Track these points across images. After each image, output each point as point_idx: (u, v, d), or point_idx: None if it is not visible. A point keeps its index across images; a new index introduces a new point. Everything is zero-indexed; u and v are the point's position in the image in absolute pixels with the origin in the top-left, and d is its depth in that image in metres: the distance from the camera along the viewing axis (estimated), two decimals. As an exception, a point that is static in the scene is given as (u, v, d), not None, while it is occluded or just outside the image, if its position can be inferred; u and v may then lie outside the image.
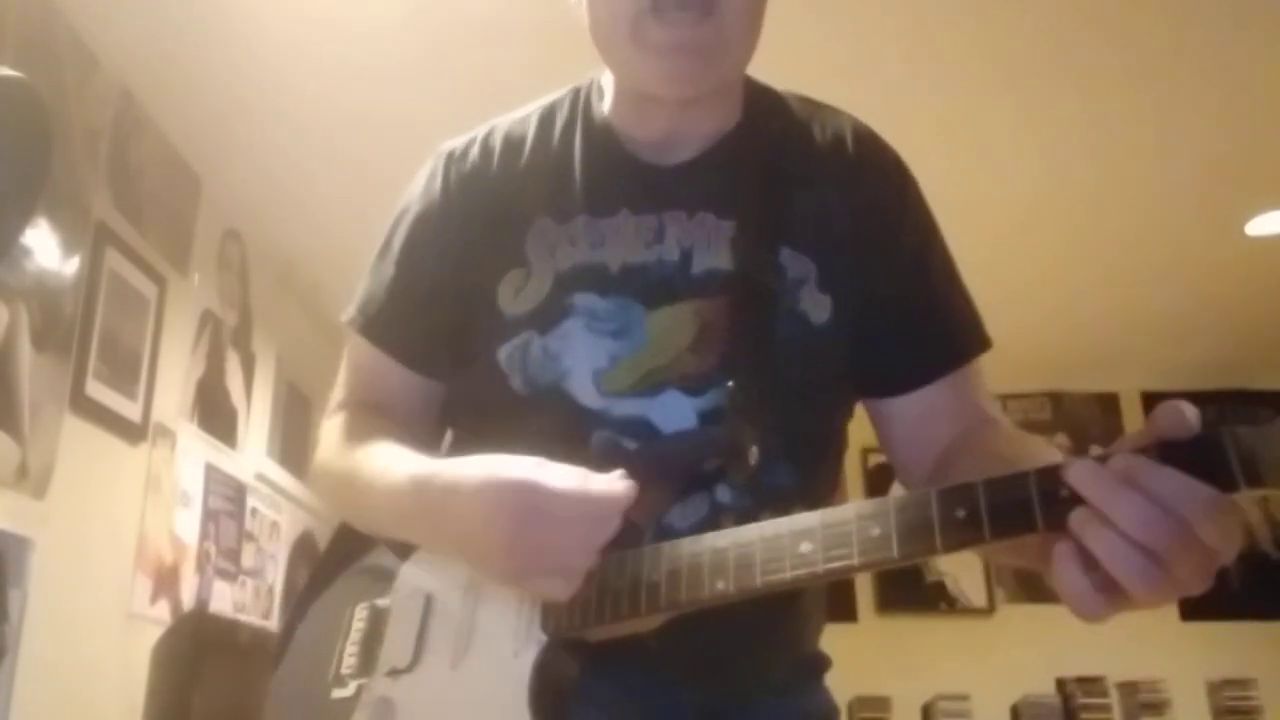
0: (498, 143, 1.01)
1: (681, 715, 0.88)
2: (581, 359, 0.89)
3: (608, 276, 0.91)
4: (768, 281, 0.90)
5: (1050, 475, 0.62)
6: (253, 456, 3.27)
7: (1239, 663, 4.28)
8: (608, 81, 1.00)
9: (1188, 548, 0.58)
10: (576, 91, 1.03)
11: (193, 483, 2.82)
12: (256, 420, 3.33)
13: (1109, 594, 0.61)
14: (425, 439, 0.98)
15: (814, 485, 0.88)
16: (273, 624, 3.36)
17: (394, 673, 0.87)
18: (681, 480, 0.84)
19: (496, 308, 0.93)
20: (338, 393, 1.06)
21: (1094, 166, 2.99)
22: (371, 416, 1.00)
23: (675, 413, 0.87)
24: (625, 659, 0.81)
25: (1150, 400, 4.78)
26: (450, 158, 1.02)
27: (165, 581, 2.61)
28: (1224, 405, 4.77)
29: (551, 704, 0.79)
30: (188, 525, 2.77)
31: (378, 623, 0.92)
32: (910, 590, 4.48)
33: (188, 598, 2.74)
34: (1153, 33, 2.44)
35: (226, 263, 3.11)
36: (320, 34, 2.40)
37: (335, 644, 0.94)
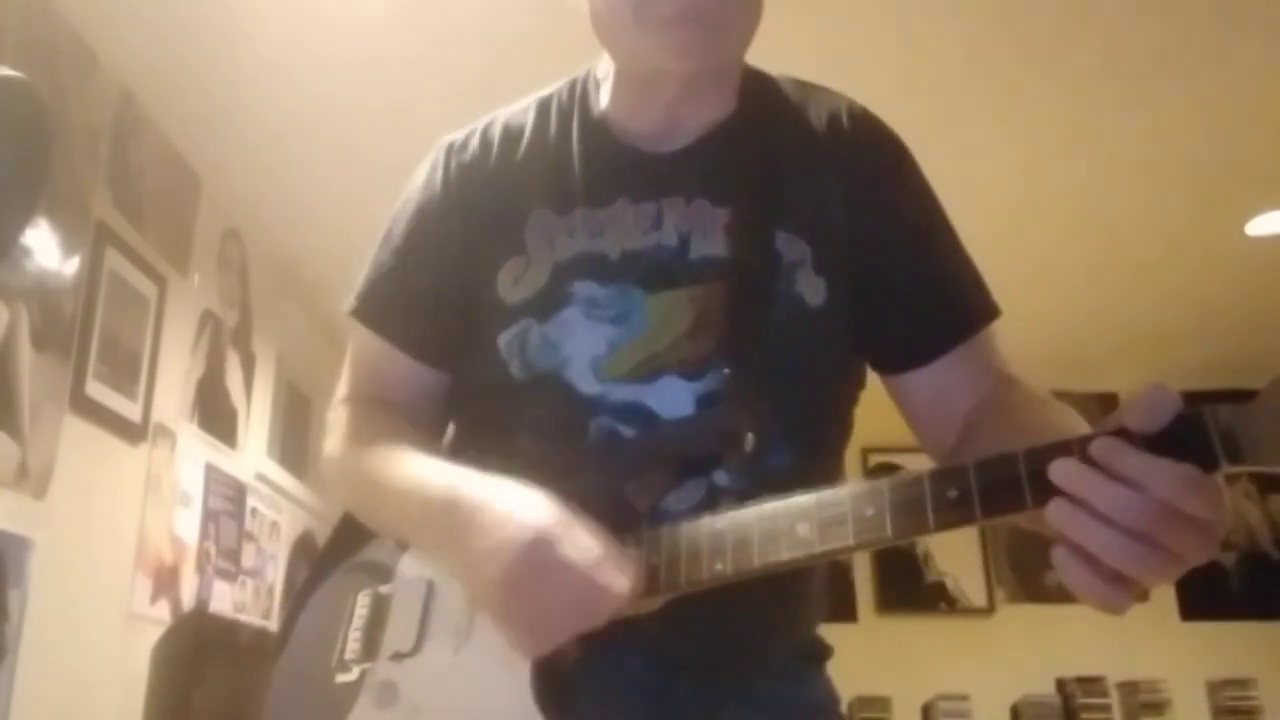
0: (496, 135, 1.02)
1: (680, 702, 0.88)
2: (580, 346, 0.90)
3: (607, 264, 0.93)
4: (763, 267, 0.91)
5: (1038, 457, 0.64)
6: (253, 456, 3.27)
7: (1239, 663, 4.28)
8: (604, 72, 1.01)
9: (1176, 526, 0.60)
10: (573, 83, 1.04)
11: (193, 483, 2.82)
12: (256, 420, 3.33)
13: (1120, 582, 0.62)
14: (430, 430, 1.00)
15: (814, 468, 0.87)
16: (273, 624, 3.36)
17: (397, 657, 0.88)
18: (678, 465, 0.85)
19: (496, 296, 0.94)
20: (342, 386, 1.07)
21: (1093, 166, 2.99)
22: (381, 412, 1.01)
23: (673, 398, 0.88)
24: (624, 645, 0.81)
25: (1150, 400, 4.78)
26: (450, 150, 1.04)
27: (165, 581, 2.61)
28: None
29: (553, 687, 0.79)
30: (188, 525, 2.77)
31: (380, 609, 0.92)
32: (910, 590, 4.48)
33: (188, 598, 2.74)
34: (1153, 33, 2.44)
35: (226, 263, 3.11)
36: (320, 33, 2.40)
37: (338, 631, 0.95)
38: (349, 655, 0.92)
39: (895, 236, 0.95)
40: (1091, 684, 4.19)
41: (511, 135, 1.02)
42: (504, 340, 0.93)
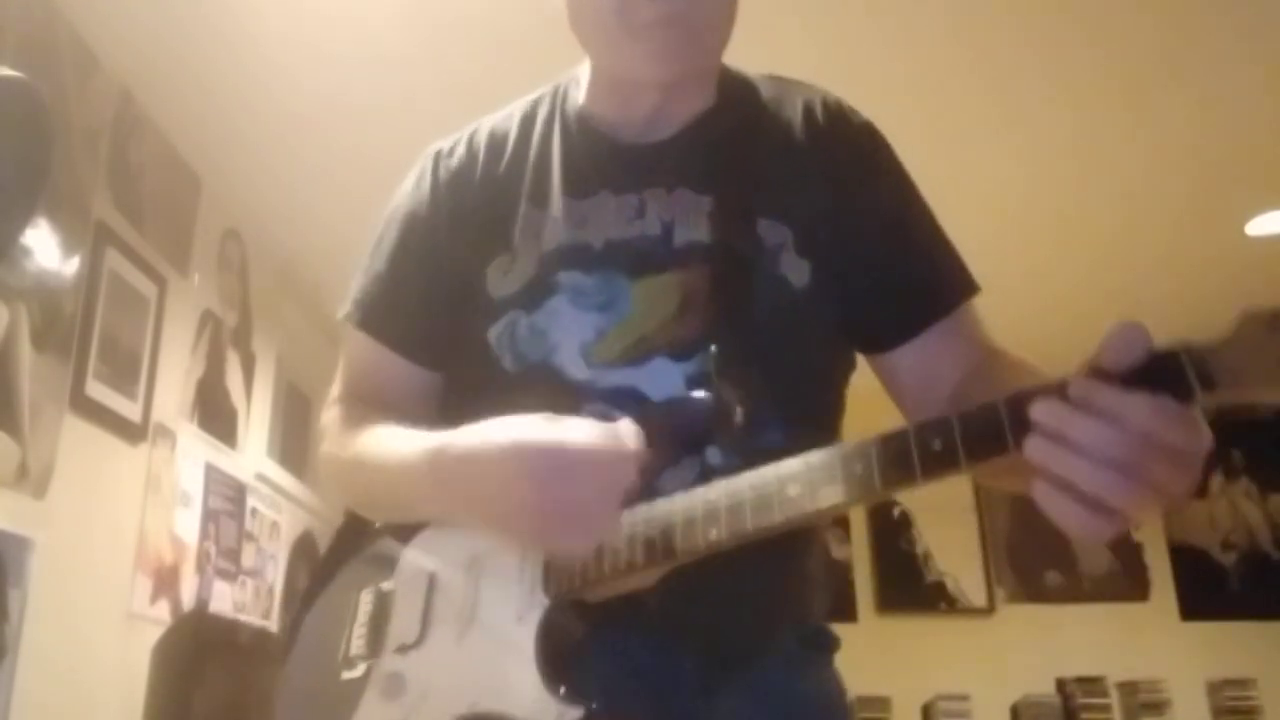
0: (482, 140, 1.05)
1: (683, 683, 0.89)
2: (568, 333, 0.92)
3: (591, 253, 0.95)
4: (747, 250, 0.93)
5: (1018, 403, 0.66)
6: (253, 456, 3.27)
7: (1239, 663, 4.28)
8: (584, 74, 1.04)
9: (1154, 456, 0.62)
10: (556, 87, 1.07)
11: (193, 483, 2.82)
12: (256, 420, 3.33)
13: (1101, 511, 0.63)
14: (424, 429, 1.01)
15: (807, 445, 0.86)
16: (273, 624, 3.36)
17: (402, 649, 0.90)
18: (671, 445, 0.85)
19: (485, 292, 0.96)
20: (335, 387, 1.08)
21: (1093, 166, 2.99)
22: (371, 408, 1.02)
23: (663, 379, 0.89)
24: (627, 624, 0.84)
25: (1150, 400, 4.78)
26: (438, 157, 1.06)
27: (165, 581, 2.61)
28: (1224, 405, 4.78)
29: (558, 662, 0.81)
30: (188, 525, 2.77)
31: (383, 605, 0.94)
32: (910, 590, 4.48)
33: (188, 598, 2.74)
34: (1153, 33, 2.44)
35: (226, 263, 3.11)
36: (320, 33, 2.40)
37: (343, 630, 0.96)
38: (354, 652, 0.93)
39: (874, 218, 0.97)
40: (1091, 684, 4.19)
41: (497, 140, 1.04)
42: (494, 334, 0.95)
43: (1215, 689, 4.26)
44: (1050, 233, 3.40)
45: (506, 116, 1.07)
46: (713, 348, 0.89)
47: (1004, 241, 3.30)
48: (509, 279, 0.96)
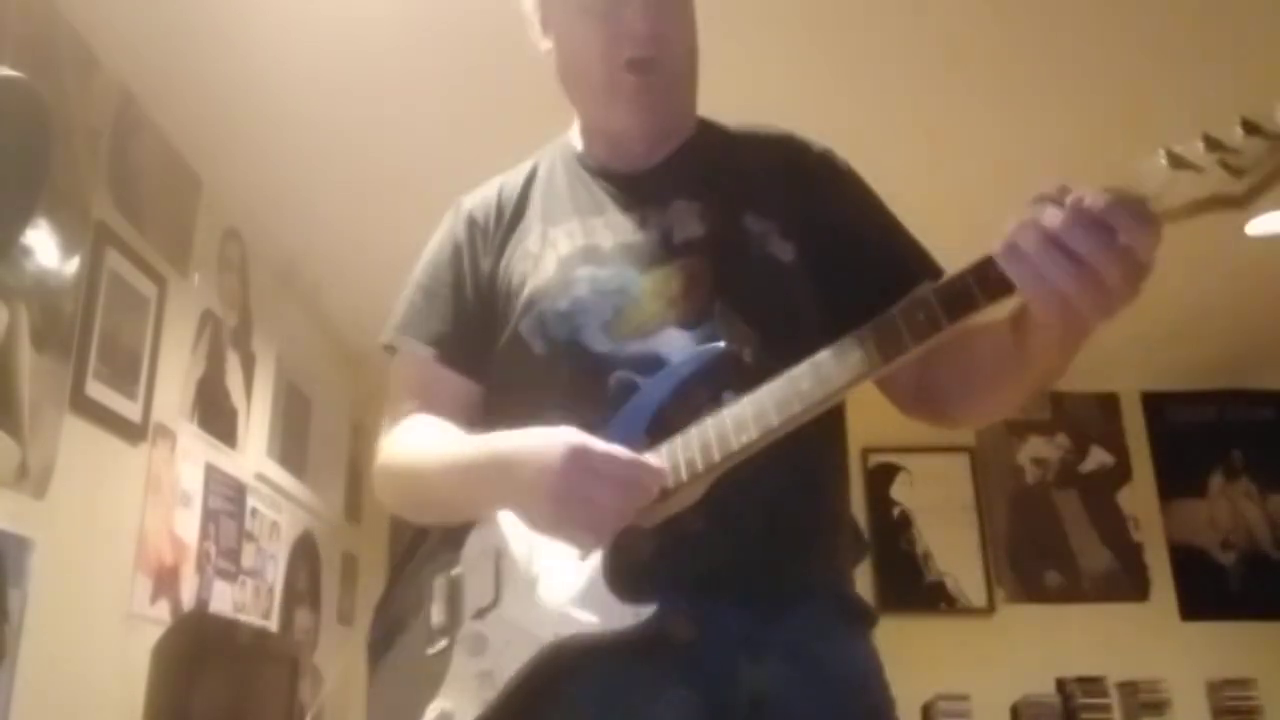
0: (497, 187, 1.23)
1: (727, 631, 0.96)
2: (590, 315, 1.05)
3: (603, 253, 1.09)
4: (737, 238, 1.08)
5: (983, 264, 0.81)
6: (253, 456, 3.27)
7: (1239, 663, 4.28)
8: (575, 132, 1.24)
9: (1110, 252, 0.74)
10: (554, 145, 1.26)
11: (193, 483, 2.82)
12: (256, 420, 3.33)
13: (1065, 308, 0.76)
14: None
15: None
16: (273, 624, 3.36)
17: (480, 613, 1.01)
18: (692, 392, 0.96)
19: (512, 294, 1.11)
20: (391, 412, 1.19)
21: (1093, 166, 2.98)
22: (421, 421, 1.13)
23: (677, 345, 1.01)
24: (673, 570, 0.93)
25: (1150, 400, 4.79)
26: (460, 208, 1.23)
27: (165, 581, 2.61)
28: (1224, 405, 4.78)
29: (628, 580, 0.91)
30: (188, 525, 2.77)
31: (455, 585, 1.05)
32: (910, 590, 4.48)
33: (188, 598, 2.74)
34: (1153, 32, 2.44)
35: (226, 263, 3.11)
36: (320, 34, 2.40)
37: (421, 617, 1.07)
38: (435, 627, 1.04)
39: (843, 213, 1.13)
40: (1091, 684, 4.19)
41: (510, 187, 1.21)
42: (525, 326, 1.08)
43: (1215, 689, 4.26)
44: (1050, 233, 3.40)
45: (516, 172, 1.24)
46: (717, 314, 1.02)
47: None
48: (533, 280, 1.10)
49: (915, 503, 4.63)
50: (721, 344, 0.98)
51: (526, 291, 1.09)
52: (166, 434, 2.66)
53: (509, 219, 1.18)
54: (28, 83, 1.66)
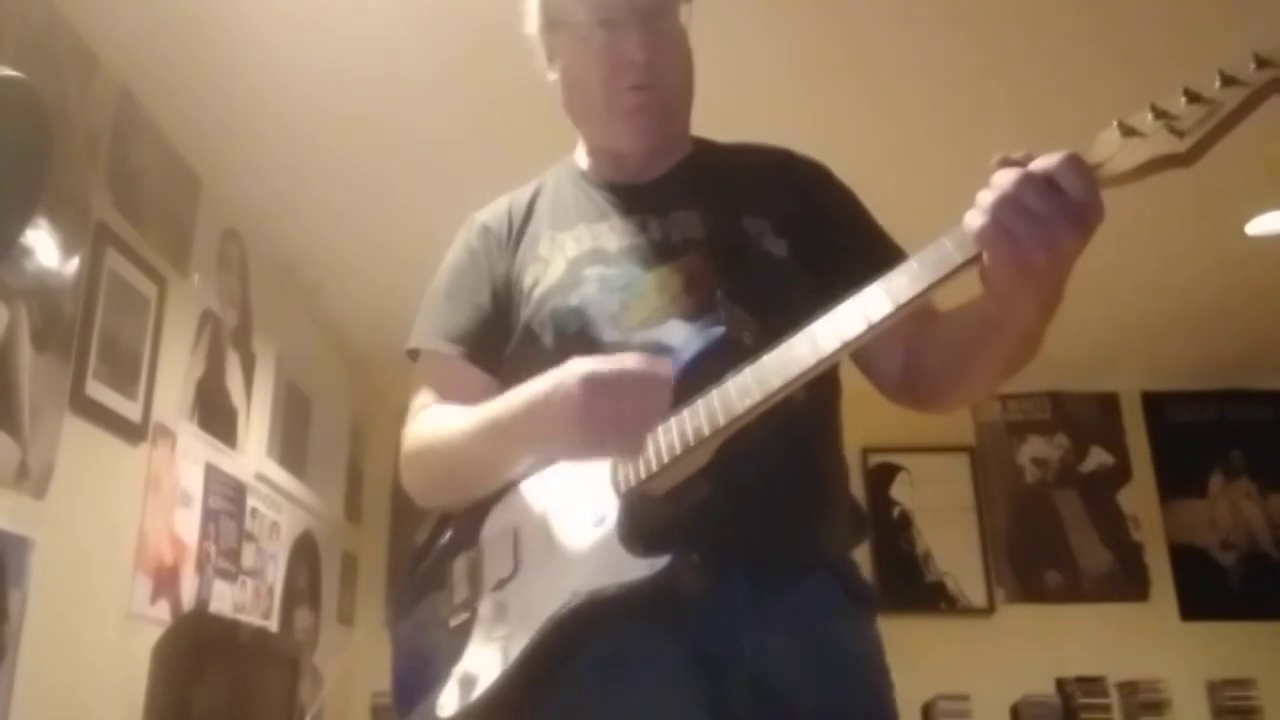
0: (507, 203, 1.30)
1: (735, 600, 1.02)
2: (599, 308, 1.12)
3: (609, 254, 1.17)
4: (734, 238, 1.16)
5: (956, 230, 0.87)
6: (253, 456, 3.27)
7: (1239, 663, 4.28)
8: (579, 153, 1.32)
9: (1056, 205, 0.82)
10: (559, 165, 1.33)
11: (193, 483, 2.82)
12: (256, 420, 3.33)
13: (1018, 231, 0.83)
14: None
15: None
16: (273, 624, 3.36)
17: (500, 584, 1.06)
18: (696, 376, 1.01)
19: (525, 293, 1.19)
20: (414, 405, 1.24)
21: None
22: (449, 406, 1.19)
23: (681, 335, 1.07)
24: (682, 523, 0.98)
25: (1150, 400, 4.79)
26: (474, 221, 1.31)
27: (165, 581, 2.61)
28: (1224, 405, 4.78)
29: (642, 541, 0.96)
30: (188, 525, 2.77)
31: (475, 563, 1.10)
32: (910, 590, 4.48)
33: (188, 598, 2.74)
34: (1155, 30, 2.44)
35: (226, 263, 3.11)
36: (321, 34, 2.40)
37: (442, 595, 1.12)
38: (457, 603, 1.09)
39: (831, 213, 1.22)
40: (1091, 684, 4.19)
41: (520, 202, 1.29)
42: (536, 322, 1.16)
43: (1215, 689, 4.26)
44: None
45: (524, 190, 1.31)
46: (719, 305, 1.06)
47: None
48: (543, 281, 1.17)
49: (915, 503, 4.63)
50: (723, 328, 1.02)
51: (538, 291, 1.17)
52: (166, 434, 2.66)
53: (519, 227, 1.26)
54: (28, 83, 1.66)
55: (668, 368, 0.98)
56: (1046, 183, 0.83)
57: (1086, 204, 0.82)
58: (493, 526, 1.11)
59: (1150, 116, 0.83)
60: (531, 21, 1.27)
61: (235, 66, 2.49)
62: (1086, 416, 4.81)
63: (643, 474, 0.99)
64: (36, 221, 2.08)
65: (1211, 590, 4.53)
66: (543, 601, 1.00)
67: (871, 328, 0.90)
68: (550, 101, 1.35)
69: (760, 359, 0.95)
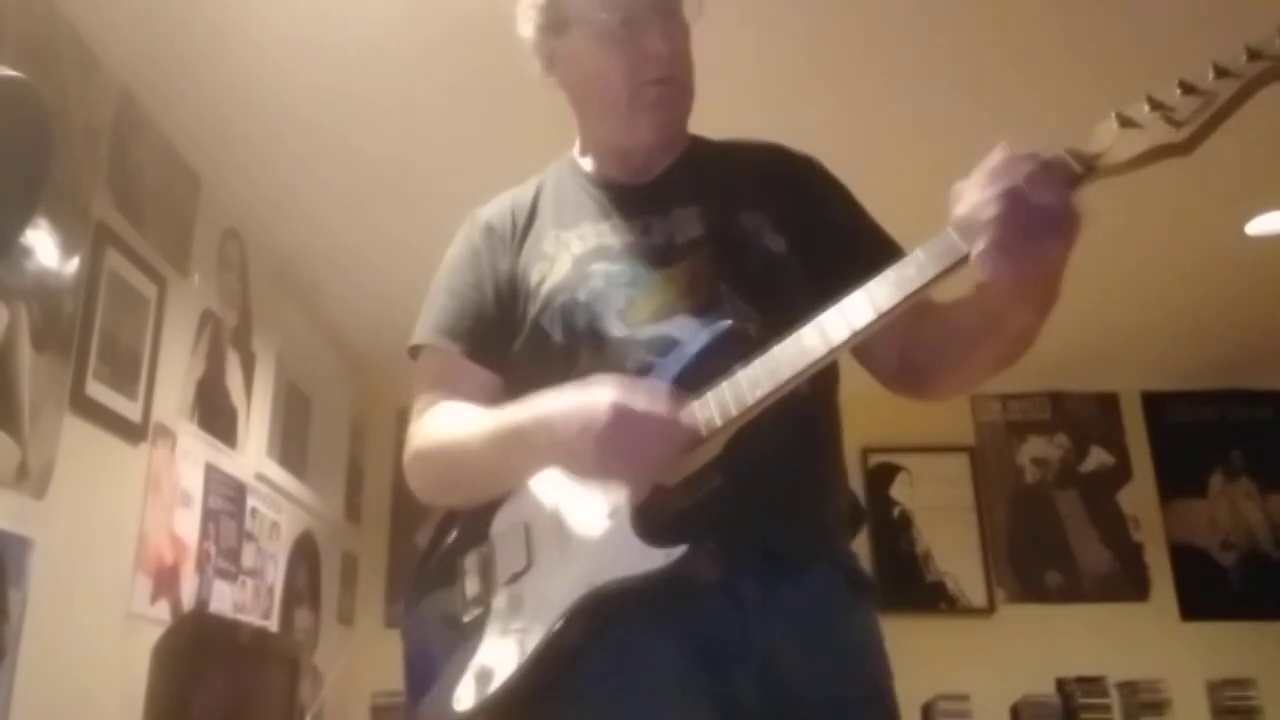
0: (509, 200, 1.31)
1: (743, 571, 1.03)
2: (607, 304, 1.14)
3: (613, 251, 1.19)
4: (734, 235, 1.18)
5: (960, 221, 0.89)
6: (253, 456, 3.27)
7: (1239, 663, 4.28)
8: (577, 152, 1.33)
9: (1031, 208, 0.84)
10: (559, 164, 1.34)
11: (193, 483, 2.82)
12: (256, 420, 3.33)
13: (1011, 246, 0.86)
14: None
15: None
16: (273, 624, 3.36)
17: (513, 578, 1.07)
18: (705, 370, 1.03)
19: (531, 291, 1.20)
20: (419, 404, 1.24)
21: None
22: (457, 405, 1.20)
23: (688, 330, 1.09)
24: (694, 512, 0.99)
25: (1150, 400, 4.79)
26: (477, 218, 1.31)
27: (165, 581, 2.61)
28: (1224, 405, 4.78)
29: (657, 531, 0.98)
30: (188, 525, 2.77)
31: (487, 558, 1.11)
32: (910, 590, 4.48)
33: (188, 598, 2.74)
34: (1155, 29, 2.44)
35: (226, 263, 3.11)
36: (320, 33, 2.40)
37: (454, 591, 1.13)
38: (470, 598, 1.10)
39: (825, 206, 1.24)
40: (1091, 684, 4.19)
41: (522, 199, 1.30)
42: (545, 318, 1.17)
43: (1215, 689, 4.26)
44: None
45: (524, 187, 1.32)
46: (723, 299, 1.11)
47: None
48: (550, 278, 1.19)
49: (915, 503, 4.63)
50: (729, 321, 1.04)
51: (545, 287, 1.18)
52: (166, 434, 2.66)
53: (523, 224, 1.26)
54: (28, 83, 1.66)
55: (696, 424, 0.98)
56: (1039, 178, 0.85)
57: (1062, 212, 0.85)
58: (503, 522, 1.12)
59: (1147, 108, 0.86)
60: (529, 25, 1.26)
61: (235, 66, 2.49)
62: (1086, 416, 4.81)
63: None
64: (36, 221, 2.08)
65: (1211, 590, 4.52)
66: (558, 593, 1.01)
67: (881, 316, 0.92)
68: (551, 104, 1.35)
69: (770, 350, 0.97)
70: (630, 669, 1.00)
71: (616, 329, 1.12)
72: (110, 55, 2.40)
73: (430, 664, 1.12)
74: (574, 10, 1.22)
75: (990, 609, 4.49)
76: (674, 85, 1.21)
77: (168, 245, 2.72)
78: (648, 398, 0.99)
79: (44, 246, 2.14)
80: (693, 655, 1.01)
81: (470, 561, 1.13)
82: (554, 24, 1.24)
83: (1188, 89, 0.84)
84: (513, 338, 1.20)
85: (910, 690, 4.34)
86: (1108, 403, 4.82)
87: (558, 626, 1.00)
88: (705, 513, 1.00)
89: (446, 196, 1.37)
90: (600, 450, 0.97)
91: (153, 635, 2.48)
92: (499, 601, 1.07)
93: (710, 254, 1.16)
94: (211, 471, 2.93)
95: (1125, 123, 0.87)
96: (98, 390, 2.32)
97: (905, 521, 4.62)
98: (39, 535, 2.06)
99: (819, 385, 1.12)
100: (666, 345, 1.08)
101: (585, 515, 1.04)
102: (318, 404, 4.23)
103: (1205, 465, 4.71)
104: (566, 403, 1.02)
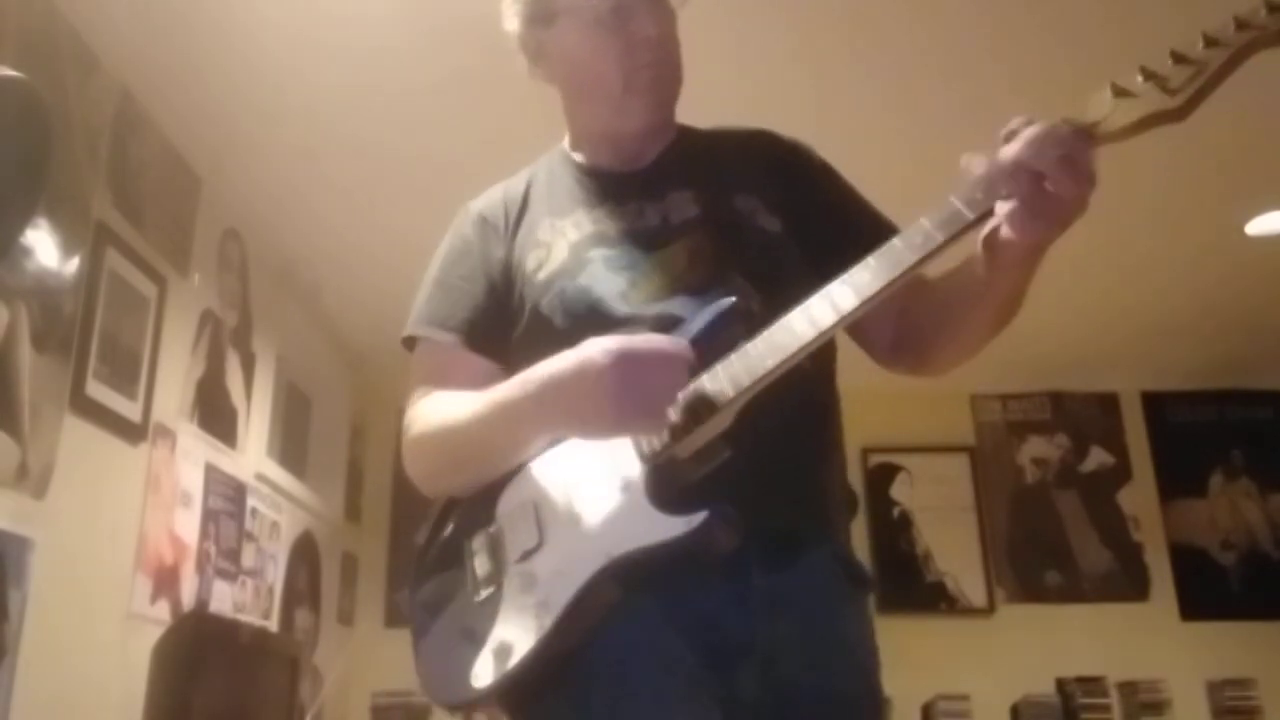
0: (501, 191, 1.32)
1: (750, 538, 1.02)
2: (607, 286, 1.14)
3: (610, 237, 1.20)
4: (730, 216, 1.19)
5: (965, 189, 0.95)
6: (253, 456, 3.27)
7: (1239, 663, 4.28)
8: (567, 145, 1.34)
9: (1059, 165, 0.90)
10: (550, 156, 1.35)
11: (193, 483, 2.82)
12: (256, 420, 3.32)
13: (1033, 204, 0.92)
14: None
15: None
16: (273, 624, 3.36)
17: (525, 555, 1.07)
18: (709, 345, 1.04)
19: (527, 279, 1.20)
20: (416, 394, 1.24)
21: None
22: (454, 392, 1.19)
23: (690, 308, 1.10)
24: (708, 481, 1.01)
25: (1150, 400, 4.79)
26: (470, 210, 1.32)
27: (165, 581, 2.61)
28: (1224, 405, 4.78)
29: (673, 500, 0.99)
30: (188, 525, 2.77)
31: (495, 539, 1.11)
32: (910, 590, 4.48)
33: (188, 598, 2.74)
34: (1155, 29, 2.44)
35: (226, 263, 3.11)
36: (320, 33, 2.40)
37: (463, 573, 1.12)
38: (481, 578, 1.09)
39: (817, 188, 1.26)
40: (1091, 684, 4.20)
41: (514, 190, 1.31)
42: (545, 304, 1.17)
43: (1215, 689, 4.27)
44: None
45: (516, 179, 1.33)
46: (721, 271, 1.12)
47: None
48: (547, 265, 1.19)
49: (915, 503, 4.63)
50: (733, 298, 1.05)
51: (543, 274, 1.18)
52: (166, 434, 2.66)
53: (516, 214, 1.27)
54: (28, 83, 1.66)
55: (686, 346, 1.00)
56: (1048, 145, 0.91)
57: (1091, 176, 0.92)
58: (509, 503, 1.11)
59: (1140, 78, 0.90)
60: (515, 20, 1.28)
61: (235, 66, 2.49)
62: (1086, 416, 4.81)
63: (668, 440, 1.01)
64: (36, 221, 2.08)
65: (1211, 590, 4.53)
66: (575, 567, 1.01)
67: (891, 283, 0.96)
68: (547, 104, 1.35)
69: (781, 320, 1.00)
70: (637, 670, 1.00)
71: (619, 309, 1.13)
72: (110, 55, 2.40)
73: (442, 645, 1.11)
74: (562, 1, 1.23)
75: (990, 609, 4.49)
76: (665, 67, 1.24)
77: (168, 245, 2.72)
78: (642, 338, 1.01)
79: (44, 246, 2.14)
80: (699, 652, 1.02)
81: (478, 542, 1.12)
82: (541, 16, 1.25)
83: (1179, 59, 0.88)
84: (511, 326, 1.21)
85: (910, 690, 4.38)
86: (1108, 403, 4.82)
87: (578, 596, 1.00)
88: (716, 483, 1.01)
89: (448, 195, 1.36)
90: (609, 394, 0.97)
91: (153, 635, 2.48)
92: (512, 578, 1.06)
93: (706, 234, 1.17)
94: (211, 471, 2.93)
95: (1120, 92, 0.91)
96: (98, 390, 2.32)
97: (905, 521, 4.62)
98: (39, 535, 2.06)
99: (820, 363, 1.14)
100: (670, 323, 1.08)
101: (596, 491, 1.04)
102: (318, 404, 4.23)
103: (1205, 465, 4.71)
104: (564, 363, 1.02)
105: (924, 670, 4.11)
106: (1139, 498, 4.66)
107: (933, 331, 1.17)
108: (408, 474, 1.22)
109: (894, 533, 4.58)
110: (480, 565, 1.10)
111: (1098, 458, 4.74)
